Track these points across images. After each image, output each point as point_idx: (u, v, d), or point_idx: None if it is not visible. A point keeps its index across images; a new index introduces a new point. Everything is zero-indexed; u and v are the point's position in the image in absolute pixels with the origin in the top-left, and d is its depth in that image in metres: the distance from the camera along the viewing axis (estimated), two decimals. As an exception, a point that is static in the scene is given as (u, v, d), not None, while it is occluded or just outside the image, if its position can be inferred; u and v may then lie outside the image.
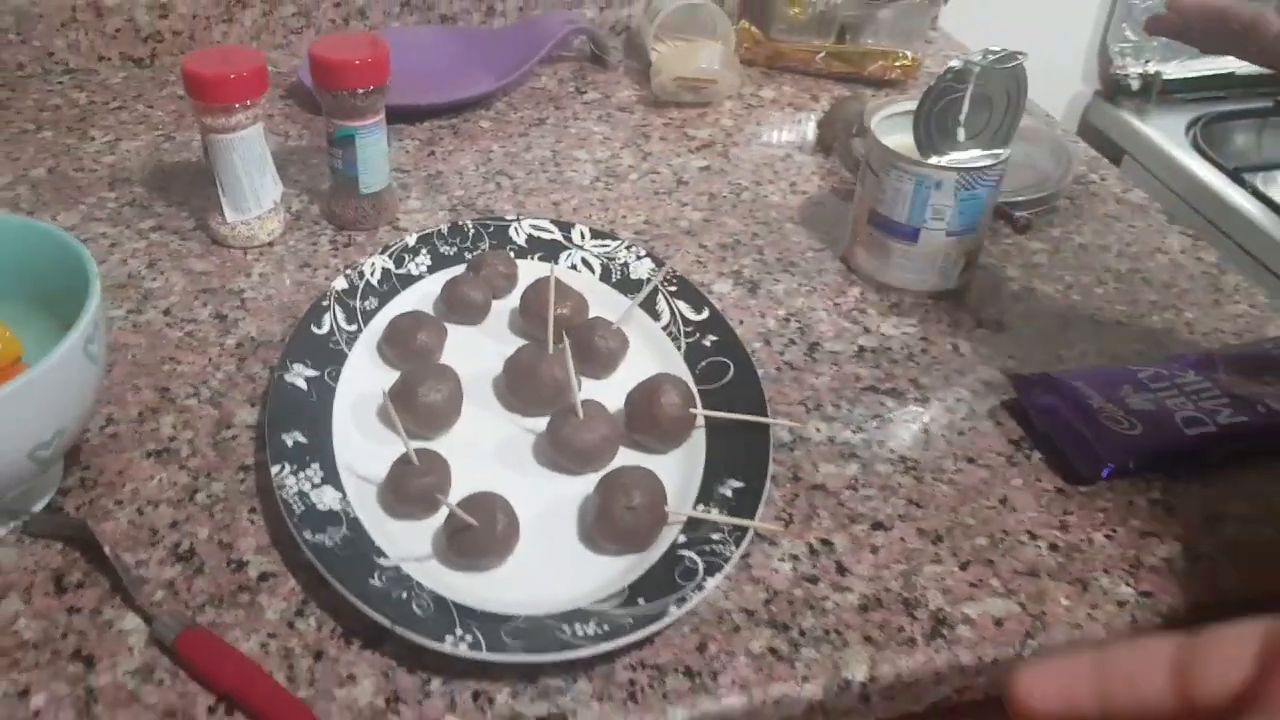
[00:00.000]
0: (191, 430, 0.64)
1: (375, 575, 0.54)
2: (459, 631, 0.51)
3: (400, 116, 0.80)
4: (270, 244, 0.80)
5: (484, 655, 0.51)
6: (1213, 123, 1.25)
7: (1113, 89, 1.29)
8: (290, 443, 0.60)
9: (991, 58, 0.69)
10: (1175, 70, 1.28)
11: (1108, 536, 0.62)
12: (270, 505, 0.60)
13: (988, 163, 0.72)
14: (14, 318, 0.60)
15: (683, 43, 1.01)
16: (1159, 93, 1.28)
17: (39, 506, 0.59)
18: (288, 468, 0.59)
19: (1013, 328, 0.77)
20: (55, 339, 0.53)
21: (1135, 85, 1.28)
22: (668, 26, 1.02)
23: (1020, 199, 0.85)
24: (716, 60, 0.98)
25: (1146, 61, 1.27)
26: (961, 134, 0.72)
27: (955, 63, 0.69)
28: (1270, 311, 0.79)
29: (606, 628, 0.52)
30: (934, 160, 0.72)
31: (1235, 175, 1.17)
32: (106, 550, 0.56)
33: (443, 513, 0.58)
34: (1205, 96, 1.28)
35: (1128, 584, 0.59)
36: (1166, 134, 1.24)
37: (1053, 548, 0.61)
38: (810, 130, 0.98)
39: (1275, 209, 1.12)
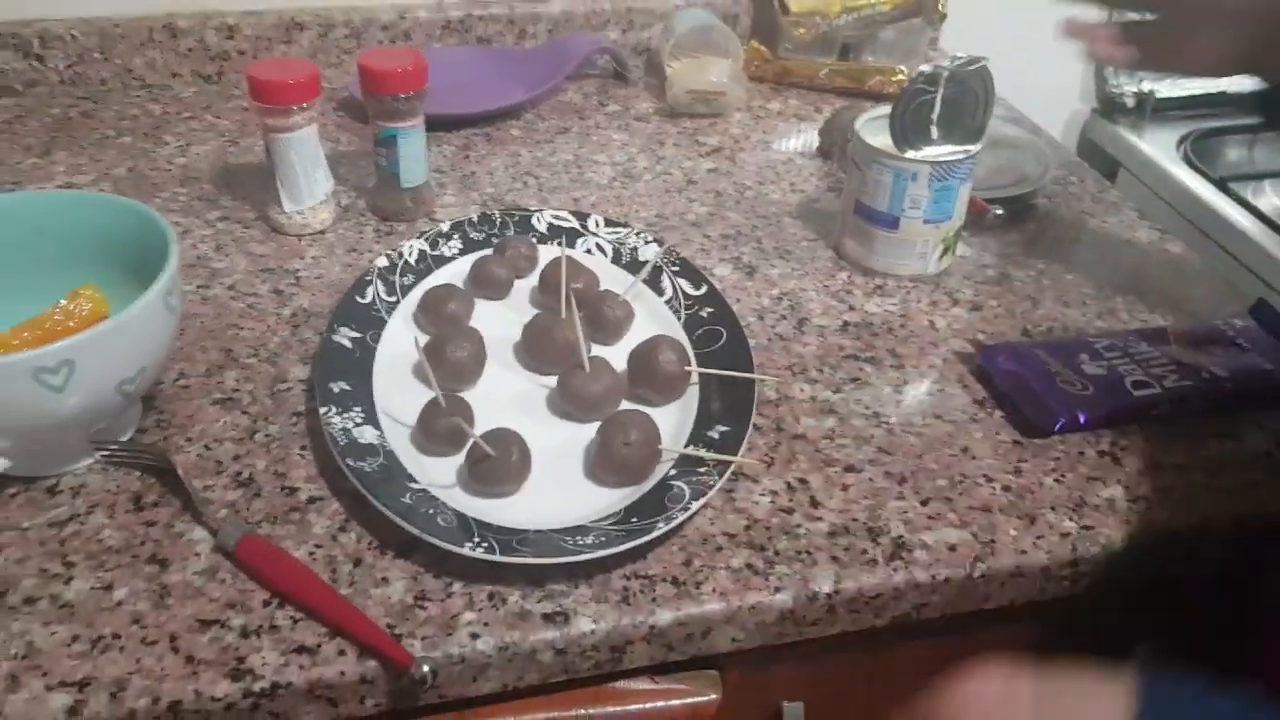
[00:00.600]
0: (251, 383, 0.74)
1: (406, 495, 0.63)
2: (476, 539, 0.60)
3: (439, 125, 0.90)
4: (322, 232, 0.90)
5: (497, 558, 0.59)
6: (1203, 138, 1.33)
7: (1109, 106, 1.37)
8: (336, 389, 0.70)
9: (959, 62, 0.78)
10: (1168, 89, 1.35)
11: (1057, 481, 0.69)
12: (318, 444, 0.69)
13: (958, 156, 0.81)
14: (104, 282, 0.70)
15: (696, 59, 1.10)
16: (1152, 110, 1.35)
17: (122, 440, 0.69)
18: (334, 409, 0.68)
19: (986, 307, 0.85)
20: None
21: (1130, 103, 1.36)
22: (683, 45, 1.11)
23: (1000, 195, 0.94)
24: (726, 74, 1.07)
25: (1140, 80, 1.35)
26: (935, 131, 0.80)
27: (926, 67, 0.78)
28: (1227, 297, 0.87)
29: (604, 539, 0.61)
30: (910, 154, 0.80)
31: (1223, 186, 1.24)
32: (180, 472, 0.65)
33: (465, 450, 0.67)
34: (1196, 114, 1.36)
35: (1071, 519, 0.66)
36: (1159, 148, 1.31)
37: (1005, 489, 0.68)
38: (812, 138, 1.07)
39: (1261, 218, 1.19)
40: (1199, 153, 1.30)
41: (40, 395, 0.59)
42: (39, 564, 0.60)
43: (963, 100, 0.79)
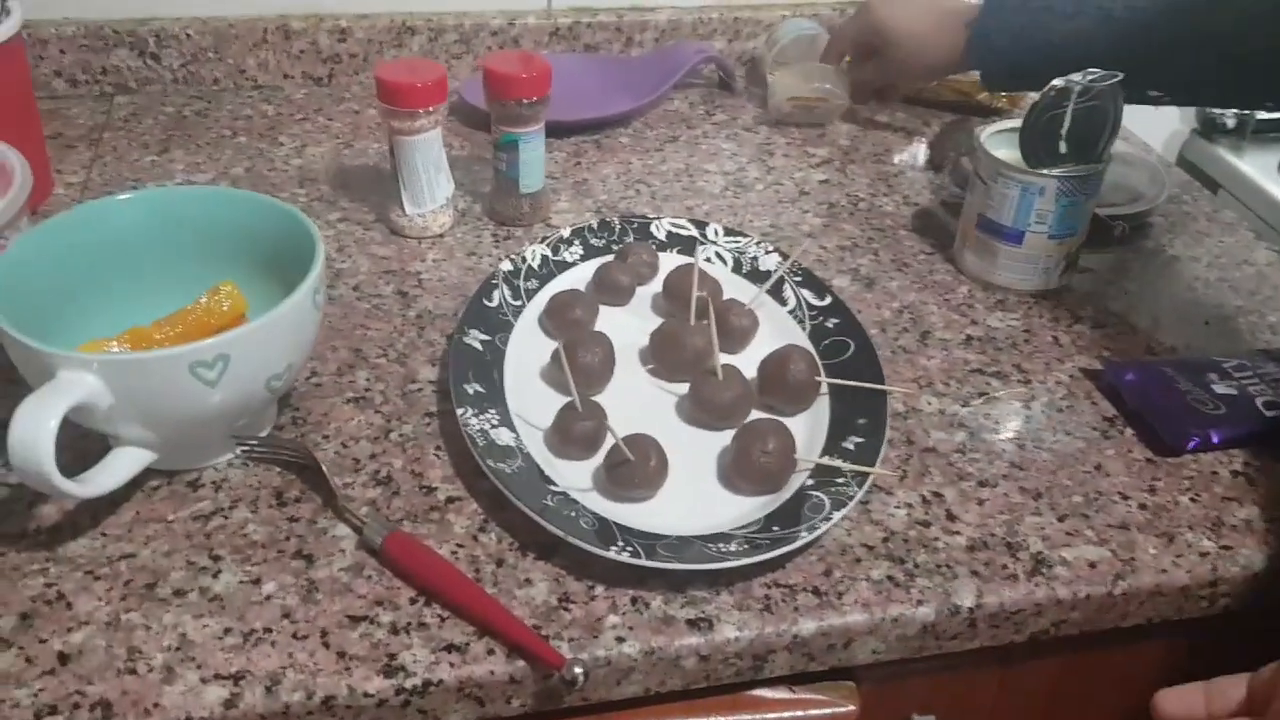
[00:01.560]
0: (383, 383, 0.75)
1: (547, 497, 0.63)
2: (620, 543, 0.60)
3: (549, 131, 0.91)
4: (441, 235, 0.91)
5: (643, 562, 0.59)
6: (1305, 160, 1.32)
7: (1208, 127, 1.36)
8: (471, 391, 0.70)
9: (1091, 78, 0.77)
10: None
11: (1192, 500, 0.68)
12: (452, 445, 0.69)
13: (1086, 172, 0.80)
14: (242, 280, 0.71)
15: (798, 67, 1.10)
16: (1252, 131, 1.34)
17: (261, 436, 0.70)
18: (470, 410, 0.68)
19: (1108, 324, 0.84)
20: (276, 300, 0.63)
21: (1230, 124, 1.34)
22: (786, 54, 1.11)
23: (1119, 213, 0.93)
24: (828, 82, 1.07)
25: (1241, 101, 1.34)
26: (1063, 146, 0.80)
27: (1059, 81, 0.77)
28: (1351, 319, 0.86)
29: (746, 546, 0.61)
30: (1038, 169, 0.80)
31: (1326, 208, 1.22)
32: (324, 468, 0.66)
33: (600, 454, 0.68)
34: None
35: (1209, 539, 0.66)
36: (1259, 169, 1.30)
37: (1142, 507, 0.68)
38: (922, 151, 1.07)
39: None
40: (1301, 174, 1.29)
41: (194, 388, 0.60)
42: (186, 556, 0.61)
43: (1092, 116, 0.79)
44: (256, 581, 0.60)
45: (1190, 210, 1.00)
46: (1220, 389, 0.74)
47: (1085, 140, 0.80)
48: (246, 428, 0.68)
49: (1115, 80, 0.78)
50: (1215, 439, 0.71)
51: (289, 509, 0.65)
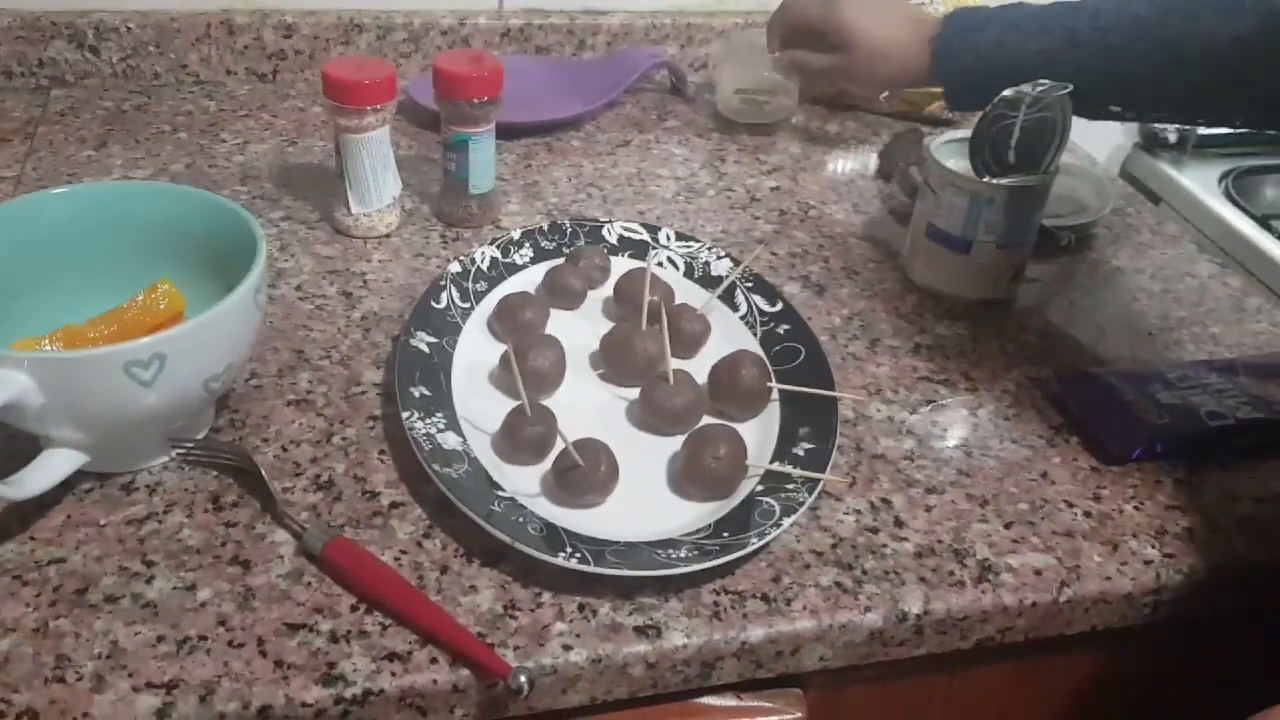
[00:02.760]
0: (325, 385, 0.73)
1: (495, 503, 0.62)
2: (569, 549, 0.59)
3: (500, 133, 0.90)
4: (388, 235, 0.89)
5: (591, 568, 0.58)
6: (1244, 175, 1.34)
7: (1151, 141, 1.38)
8: (417, 394, 0.69)
9: (1040, 89, 0.78)
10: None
11: (1136, 508, 0.69)
12: (397, 449, 0.68)
13: (1035, 183, 0.81)
14: (180, 278, 0.69)
15: (746, 66, 1.10)
16: (1194, 146, 1.37)
17: (198, 438, 0.68)
18: (416, 414, 0.67)
19: (1055, 334, 0.85)
20: (216, 299, 0.61)
21: (1172, 139, 1.36)
22: (731, 54, 1.11)
23: (1065, 224, 0.94)
24: (775, 72, 1.07)
25: (1182, 117, 1.36)
26: (1012, 156, 0.80)
27: (1009, 92, 0.78)
28: (1290, 331, 0.87)
29: (695, 552, 0.60)
30: (987, 179, 0.80)
31: (1264, 223, 1.24)
32: (263, 471, 0.64)
33: (549, 459, 0.67)
34: (1237, 151, 1.37)
35: (1153, 547, 0.66)
36: (1200, 184, 1.32)
37: (1087, 515, 0.68)
38: (872, 161, 1.07)
39: (1302, 255, 1.20)
40: (1240, 190, 1.31)
41: (128, 389, 0.58)
42: (119, 562, 0.60)
43: (1041, 127, 0.79)
44: (191, 588, 0.58)
45: (1134, 223, 1.02)
46: (1164, 398, 0.75)
47: (1034, 151, 0.80)
48: (183, 430, 0.66)
49: (1064, 92, 0.78)
50: (1159, 448, 0.72)
51: (226, 514, 0.63)
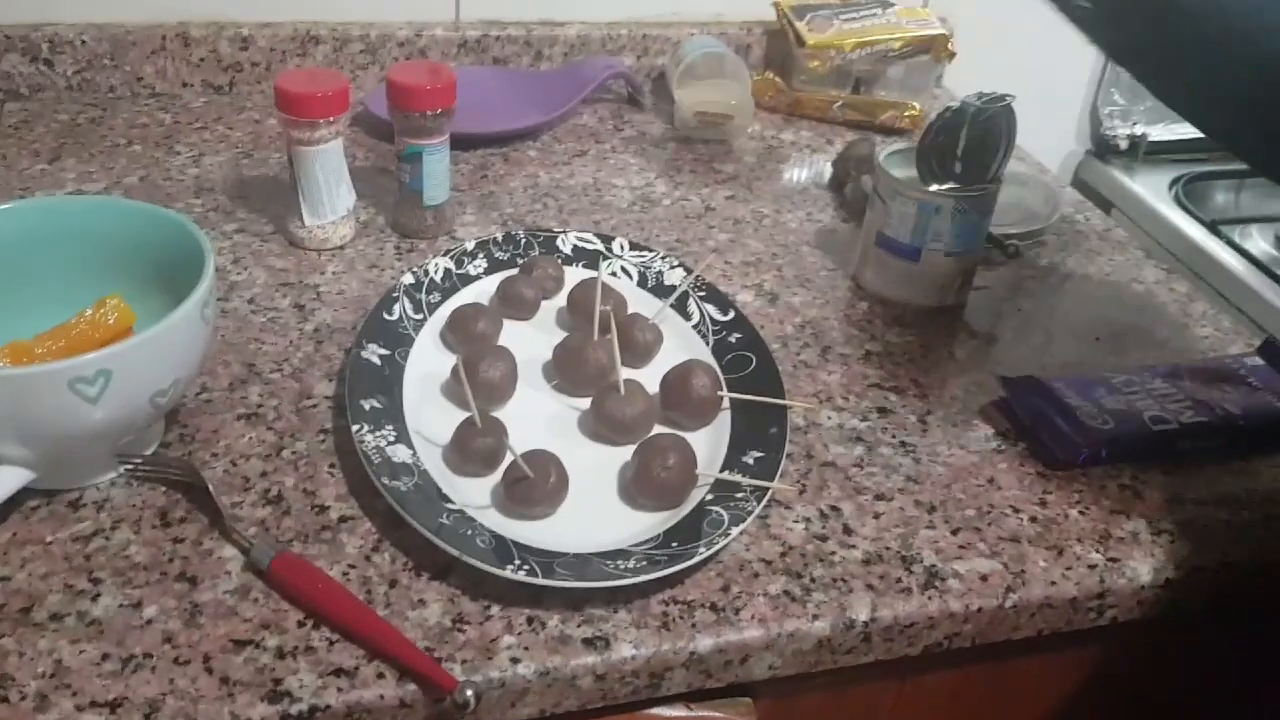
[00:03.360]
0: (276, 399, 0.73)
1: (443, 516, 0.62)
2: (517, 562, 0.60)
3: (456, 144, 0.90)
4: (342, 247, 0.89)
5: (539, 580, 0.59)
6: (1194, 181, 1.35)
7: (1102, 148, 1.40)
8: (368, 406, 0.69)
9: (985, 98, 0.79)
10: (1160, 133, 1.38)
11: (1081, 513, 0.70)
12: (348, 462, 0.68)
13: (981, 191, 0.82)
14: (129, 293, 0.69)
15: (705, 83, 1.11)
16: (1145, 153, 1.38)
17: (146, 454, 0.68)
18: (366, 427, 0.67)
19: (1003, 340, 0.86)
20: (166, 312, 0.61)
21: (1123, 145, 1.38)
22: (693, 71, 1.12)
23: (1012, 231, 0.95)
24: (733, 97, 1.08)
25: (1134, 124, 1.38)
26: (959, 165, 0.81)
27: (954, 102, 0.79)
28: (1233, 335, 0.89)
29: (644, 563, 0.61)
30: (934, 188, 0.81)
31: (1213, 228, 1.26)
32: (210, 487, 0.64)
33: (499, 471, 0.67)
34: (1187, 157, 1.39)
35: (1098, 551, 0.67)
36: (1151, 190, 1.34)
37: (1033, 520, 0.69)
38: (826, 169, 1.08)
39: (1250, 259, 1.22)
40: (1190, 195, 1.33)
41: (74, 405, 0.58)
42: (64, 579, 0.59)
43: (987, 137, 0.80)
44: (137, 605, 0.58)
45: (1083, 229, 1.03)
46: (1109, 404, 0.76)
47: (980, 160, 0.81)
48: (131, 445, 0.66)
49: (1009, 101, 0.79)
50: (1104, 453, 0.73)
51: (173, 529, 0.63)
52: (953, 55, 1.16)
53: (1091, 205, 1.08)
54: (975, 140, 0.80)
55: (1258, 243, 1.31)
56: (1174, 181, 1.35)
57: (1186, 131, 1.39)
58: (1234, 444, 0.76)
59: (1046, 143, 1.30)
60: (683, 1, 1.21)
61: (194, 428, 0.70)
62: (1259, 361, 0.82)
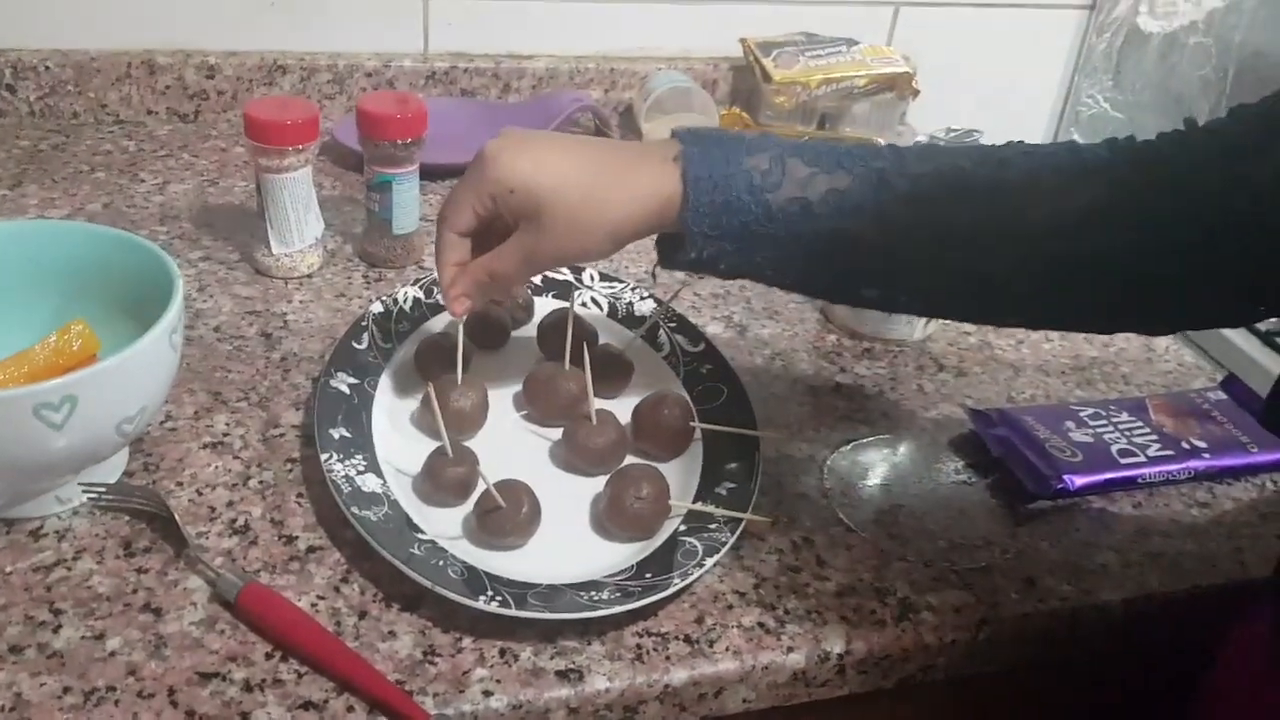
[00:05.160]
0: (243, 428, 0.72)
1: (415, 546, 0.61)
2: (490, 593, 0.59)
3: (425, 174, 0.90)
4: (309, 276, 0.88)
5: (512, 612, 0.58)
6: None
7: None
8: (337, 436, 0.68)
9: (953, 134, 0.80)
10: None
11: (1052, 545, 0.70)
12: (315, 492, 0.67)
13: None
14: (95, 318, 0.68)
15: (672, 117, 1.12)
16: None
17: (110, 483, 0.66)
18: (335, 456, 0.66)
19: (971, 374, 0.86)
20: (132, 339, 0.60)
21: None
22: (660, 105, 1.13)
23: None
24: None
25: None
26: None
27: (922, 137, 0.80)
28: (1195, 370, 0.90)
29: (618, 594, 0.60)
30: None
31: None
32: (176, 516, 0.63)
33: (470, 501, 0.66)
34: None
35: (1069, 583, 0.68)
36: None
37: (1004, 552, 0.69)
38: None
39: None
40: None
41: (37, 432, 0.57)
42: (25, 610, 0.58)
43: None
44: (100, 637, 0.57)
45: (1047, 265, 1.04)
46: (1077, 436, 0.77)
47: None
48: (95, 474, 0.65)
49: (976, 136, 0.80)
50: (1073, 485, 0.74)
51: (138, 559, 0.62)
52: (916, 92, 1.18)
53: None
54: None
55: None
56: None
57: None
58: (1199, 476, 0.77)
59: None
60: (650, 36, 1.22)
61: (159, 456, 0.69)
62: (1222, 395, 0.84)
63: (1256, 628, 0.60)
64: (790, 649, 0.61)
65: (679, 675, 0.59)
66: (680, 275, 0.70)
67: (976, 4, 1.31)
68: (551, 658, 0.59)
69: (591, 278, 0.87)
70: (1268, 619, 0.60)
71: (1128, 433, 0.78)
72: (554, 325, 0.78)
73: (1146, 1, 1.36)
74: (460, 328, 0.72)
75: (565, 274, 0.87)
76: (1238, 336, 1.17)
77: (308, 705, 0.54)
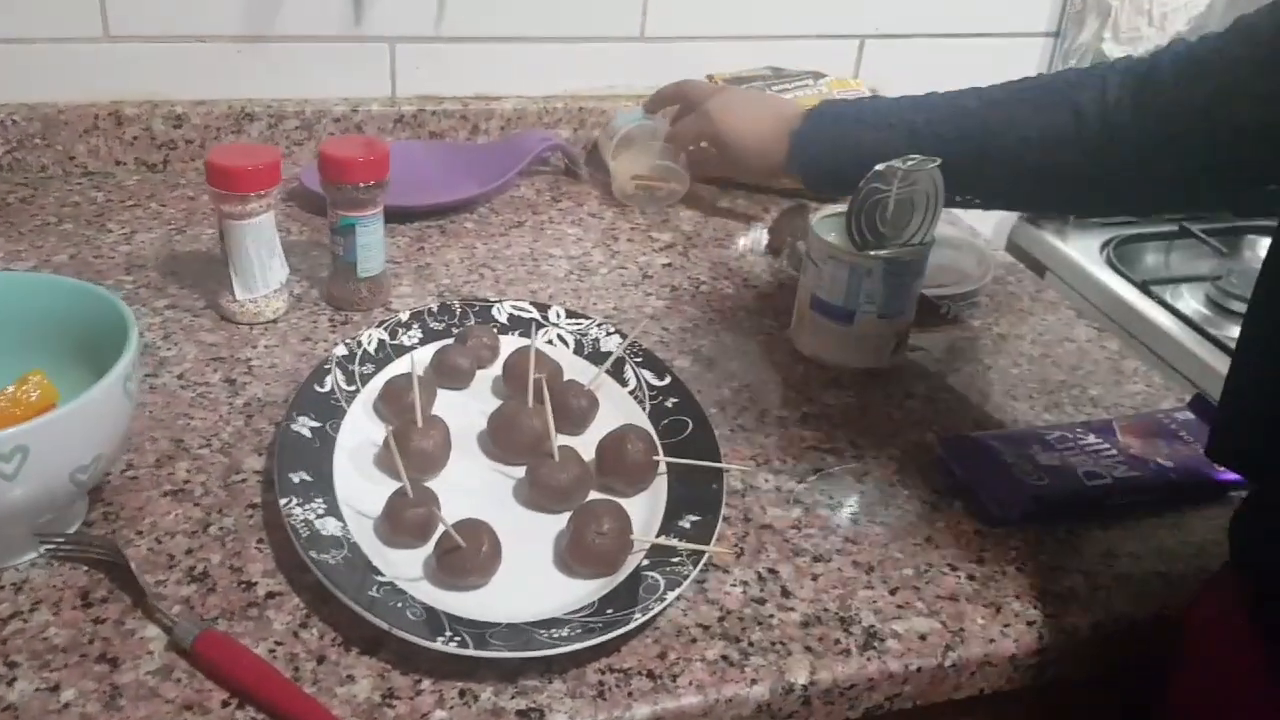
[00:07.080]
0: (204, 474, 0.72)
1: (373, 589, 0.61)
2: (448, 633, 0.58)
3: (393, 216, 0.90)
4: (275, 321, 0.88)
5: (471, 652, 0.57)
6: (1124, 243, 1.39)
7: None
8: (297, 480, 0.68)
9: (911, 163, 0.80)
10: (1089, 197, 1.42)
11: (1019, 569, 0.70)
12: (276, 537, 0.67)
13: (910, 254, 0.83)
14: (53, 368, 0.68)
15: (638, 151, 1.12)
16: (1075, 217, 1.42)
17: (69, 533, 0.66)
18: (295, 500, 0.66)
19: (938, 400, 0.86)
20: (89, 386, 0.60)
21: (1055, 211, 1.42)
22: (627, 141, 1.13)
23: (946, 293, 0.96)
24: (669, 161, 1.09)
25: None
26: (887, 229, 0.82)
27: (880, 166, 0.80)
28: (1164, 391, 0.90)
29: (579, 631, 0.59)
30: (864, 251, 0.83)
31: (1145, 289, 1.29)
32: (132, 566, 0.62)
33: (431, 542, 0.66)
34: (1118, 220, 1.42)
35: (1036, 607, 0.67)
36: (1083, 253, 1.37)
37: (970, 578, 0.69)
38: (762, 236, 1.09)
39: (1180, 317, 1.24)
40: (1121, 257, 1.36)
41: (-11, 483, 0.56)
42: (-22, 664, 0.57)
43: (913, 200, 0.82)
44: (55, 689, 0.56)
45: (1015, 290, 1.05)
46: (1043, 460, 0.77)
47: (907, 223, 0.83)
48: (52, 524, 0.64)
49: (934, 165, 0.81)
50: (1040, 509, 0.73)
51: (95, 610, 0.61)
52: (884, 124, 1.19)
53: (1023, 267, 1.10)
54: (902, 203, 0.81)
55: (1188, 302, 1.34)
56: (1105, 244, 1.38)
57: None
58: (1167, 498, 0.77)
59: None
60: (618, 75, 1.23)
61: (118, 505, 0.68)
62: (1190, 416, 0.84)
63: (1222, 601, 0.62)
64: (754, 681, 0.60)
65: (641, 711, 0.58)
66: (647, 313, 0.70)
67: (941, 34, 1.33)
68: (512, 697, 0.58)
69: (557, 315, 0.87)
70: (1230, 600, 0.62)
71: (1095, 455, 0.77)
72: (517, 363, 0.78)
73: (1110, 28, 1.38)
74: (419, 370, 0.72)
75: (531, 311, 0.87)
76: (1210, 355, 1.17)
77: (264, 753, 0.54)
